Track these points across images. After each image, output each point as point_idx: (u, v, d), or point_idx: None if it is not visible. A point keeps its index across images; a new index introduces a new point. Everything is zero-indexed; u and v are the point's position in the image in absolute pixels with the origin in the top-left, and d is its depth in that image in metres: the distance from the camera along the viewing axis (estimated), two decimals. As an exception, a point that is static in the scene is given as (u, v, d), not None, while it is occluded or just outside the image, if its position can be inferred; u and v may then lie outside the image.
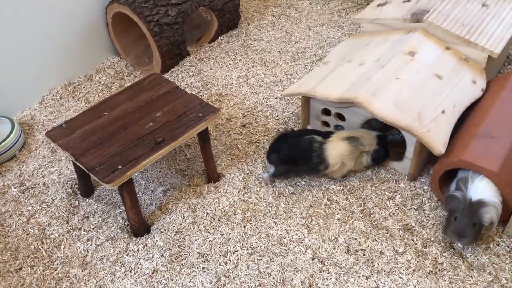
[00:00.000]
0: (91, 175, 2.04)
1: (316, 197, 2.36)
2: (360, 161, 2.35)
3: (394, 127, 2.21)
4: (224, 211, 2.33)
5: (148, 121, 2.26)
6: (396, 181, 2.40)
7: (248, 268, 2.09)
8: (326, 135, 2.35)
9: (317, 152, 2.28)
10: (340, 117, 2.50)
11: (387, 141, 2.40)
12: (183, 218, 2.32)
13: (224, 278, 2.06)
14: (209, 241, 2.21)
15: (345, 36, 3.47)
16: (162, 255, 2.16)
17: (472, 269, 2.00)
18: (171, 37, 3.12)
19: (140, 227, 2.24)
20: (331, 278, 2.01)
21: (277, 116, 2.85)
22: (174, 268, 2.11)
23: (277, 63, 3.27)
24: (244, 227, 2.26)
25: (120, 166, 2.04)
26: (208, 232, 2.25)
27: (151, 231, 2.28)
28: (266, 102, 2.96)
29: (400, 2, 2.84)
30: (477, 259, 2.05)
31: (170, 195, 2.44)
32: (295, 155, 2.32)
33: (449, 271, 2.01)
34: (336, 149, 2.29)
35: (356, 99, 2.21)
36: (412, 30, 2.62)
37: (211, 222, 2.29)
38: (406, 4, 2.78)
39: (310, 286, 2.00)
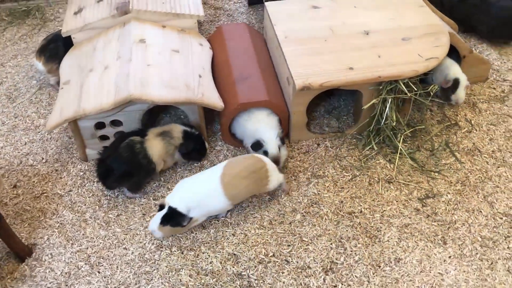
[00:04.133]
0: None
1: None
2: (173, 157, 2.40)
3: (174, 105, 2.35)
4: (66, 273, 2.04)
5: None
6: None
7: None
8: (142, 134, 2.30)
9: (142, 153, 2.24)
10: (116, 123, 2.45)
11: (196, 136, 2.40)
12: (25, 312, 1.91)
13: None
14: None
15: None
16: None
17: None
18: None
19: None
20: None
21: (44, 158, 2.55)
22: None
23: (-4, 111, 2.84)
24: (99, 272, 2.04)
25: None
26: (65, 303, 1.94)
27: None
28: (19, 152, 2.58)
29: (94, 4, 2.86)
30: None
31: (-13, 303, 1.94)
32: (128, 169, 2.22)
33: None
34: (155, 147, 2.28)
35: (132, 96, 2.22)
36: (125, 22, 2.72)
37: (61, 293, 1.98)
38: (102, 3, 2.83)
39: None
